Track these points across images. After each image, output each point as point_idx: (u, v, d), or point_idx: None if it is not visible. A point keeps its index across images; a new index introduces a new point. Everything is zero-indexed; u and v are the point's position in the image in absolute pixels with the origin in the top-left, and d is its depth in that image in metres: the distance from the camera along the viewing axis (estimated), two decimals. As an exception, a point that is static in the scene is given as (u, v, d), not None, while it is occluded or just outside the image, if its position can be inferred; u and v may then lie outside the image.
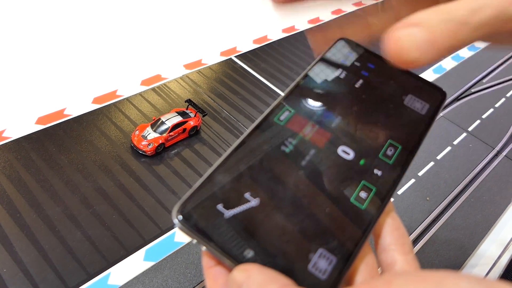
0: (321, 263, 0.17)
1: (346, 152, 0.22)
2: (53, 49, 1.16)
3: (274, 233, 0.18)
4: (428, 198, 0.96)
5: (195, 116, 1.00)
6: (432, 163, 1.05)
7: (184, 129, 0.97)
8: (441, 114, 1.18)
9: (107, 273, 0.72)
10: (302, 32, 1.45)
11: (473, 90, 1.30)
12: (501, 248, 0.89)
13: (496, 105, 1.26)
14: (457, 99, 1.25)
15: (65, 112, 0.98)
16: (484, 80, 1.35)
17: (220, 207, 0.18)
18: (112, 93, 1.06)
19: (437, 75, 1.33)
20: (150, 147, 0.92)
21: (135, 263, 0.74)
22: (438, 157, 1.07)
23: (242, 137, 0.21)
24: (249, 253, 0.17)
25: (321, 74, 0.25)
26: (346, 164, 0.21)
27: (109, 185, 0.86)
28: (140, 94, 1.08)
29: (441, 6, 0.19)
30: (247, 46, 1.33)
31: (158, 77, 1.13)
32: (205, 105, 1.08)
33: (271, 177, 0.20)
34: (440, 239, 0.89)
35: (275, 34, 1.41)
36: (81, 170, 0.87)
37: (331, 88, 0.24)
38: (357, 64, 0.26)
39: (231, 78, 1.19)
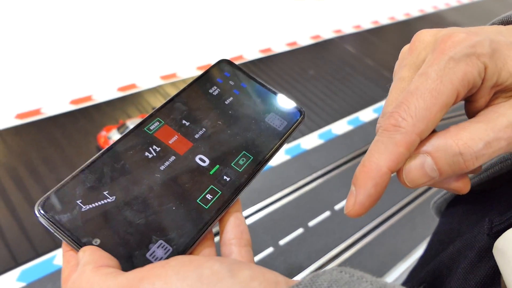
0: (158, 252, 0.21)
1: (202, 160, 0.25)
2: (37, 53, 1.28)
3: (122, 226, 0.21)
4: (362, 215, 1.04)
5: (159, 123, 1.10)
6: (374, 184, 1.13)
7: (147, 134, 1.08)
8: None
9: (54, 254, 0.82)
10: (278, 54, 1.56)
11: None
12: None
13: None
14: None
15: (42, 111, 1.09)
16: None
17: (79, 202, 0.21)
18: (88, 97, 1.17)
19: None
20: (113, 147, 1.02)
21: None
22: (381, 179, 1.15)
23: (112, 143, 0.24)
24: (97, 241, 0.20)
25: (197, 90, 0.28)
26: (200, 170, 0.24)
27: (71, 178, 0.96)
28: (114, 100, 1.19)
29: (456, 133, 0.19)
30: (222, 63, 1.44)
31: (133, 86, 1.24)
32: (172, 114, 1.19)
33: (130, 178, 0.23)
34: (366, 252, 0.97)
35: (251, 54, 1.52)
36: (48, 163, 0.97)
37: (202, 103, 0.27)
38: (231, 83, 0.29)
39: (202, 92, 1.30)
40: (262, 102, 0.28)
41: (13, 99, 1.11)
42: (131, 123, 1.06)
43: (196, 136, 0.25)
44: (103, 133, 1.05)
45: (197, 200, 0.23)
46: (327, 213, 1.03)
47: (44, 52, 1.29)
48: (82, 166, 0.22)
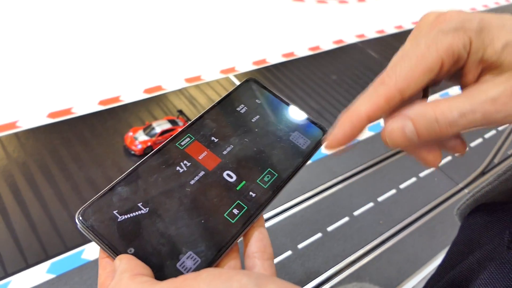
0: (188, 262, 0.22)
1: (230, 176, 0.25)
2: (68, 56, 1.33)
3: (154, 236, 0.22)
4: (381, 222, 1.05)
5: (183, 125, 1.14)
6: (394, 191, 1.13)
7: (172, 136, 1.11)
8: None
9: (82, 248, 0.85)
10: (301, 58, 1.58)
11: (451, 128, 1.38)
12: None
13: (472, 145, 1.33)
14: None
15: (72, 110, 1.14)
16: (465, 120, 1.43)
17: (115, 212, 0.22)
18: (116, 98, 1.21)
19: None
20: (139, 147, 1.06)
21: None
22: (401, 186, 1.15)
23: (146, 157, 0.25)
24: (131, 250, 0.22)
25: (225, 108, 0.29)
26: (228, 186, 0.25)
27: (99, 176, 1.00)
28: (140, 101, 1.23)
29: (437, 103, 0.21)
30: (245, 66, 1.46)
31: (158, 88, 1.28)
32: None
33: (162, 191, 0.24)
34: (384, 259, 0.97)
35: (275, 58, 1.54)
36: (77, 160, 1.02)
37: (230, 121, 0.28)
38: (258, 101, 0.30)
39: (225, 95, 1.33)
40: (287, 121, 0.29)
41: (45, 99, 1.16)
42: (157, 125, 1.10)
43: (224, 152, 0.26)
44: (130, 133, 1.09)
45: (224, 215, 0.24)
46: (346, 219, 1.04)
47: (75, 55, 1.34)
48: (118, 178, 0.24)
